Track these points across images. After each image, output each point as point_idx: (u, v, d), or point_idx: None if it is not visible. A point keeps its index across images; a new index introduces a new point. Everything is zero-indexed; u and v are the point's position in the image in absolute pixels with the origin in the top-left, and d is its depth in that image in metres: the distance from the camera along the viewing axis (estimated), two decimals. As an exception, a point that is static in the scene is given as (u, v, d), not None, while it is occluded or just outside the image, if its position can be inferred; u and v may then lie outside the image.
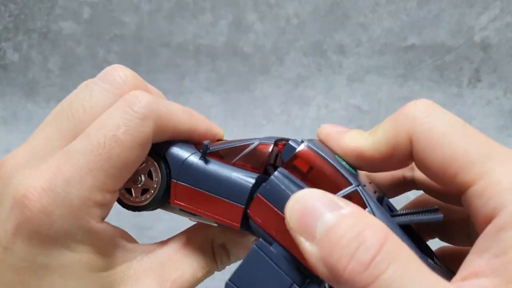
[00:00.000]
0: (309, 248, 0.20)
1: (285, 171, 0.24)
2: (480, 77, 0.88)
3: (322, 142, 0.26)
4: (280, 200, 0.23)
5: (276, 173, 0.24)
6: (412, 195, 0.30)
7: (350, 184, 0.23)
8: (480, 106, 0.88)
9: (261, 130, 0.88)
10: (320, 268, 0.20)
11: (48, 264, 0.23)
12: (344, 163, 0.24)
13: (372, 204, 0.23)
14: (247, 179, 0.25)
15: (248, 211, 0.25)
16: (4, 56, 0.91)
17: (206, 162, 0.26)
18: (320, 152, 0.24)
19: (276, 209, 0.24)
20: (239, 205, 0.25)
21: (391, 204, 0.26)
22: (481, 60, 0.87)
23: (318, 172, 0.24)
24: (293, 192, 0.22)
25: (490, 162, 0.20)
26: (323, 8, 0.85)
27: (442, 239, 0.28)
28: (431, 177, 0.22)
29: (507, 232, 0.19)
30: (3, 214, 0.23)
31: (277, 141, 0.26)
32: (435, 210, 0.23)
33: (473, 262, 0.19)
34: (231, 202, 0.25)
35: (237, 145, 0.26)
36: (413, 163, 0.24)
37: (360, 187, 0.23)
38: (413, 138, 0.22)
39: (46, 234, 0.22)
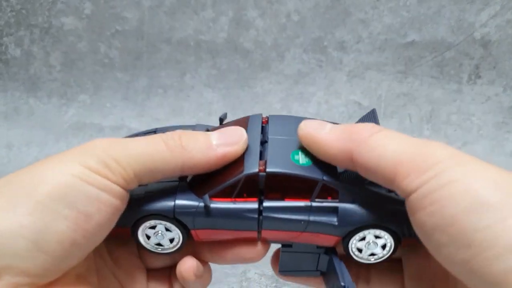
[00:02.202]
0: (326, 133, 0.28)
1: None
2: (480, 73, 0.88)
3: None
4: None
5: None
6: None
7: (317, 180, 0.29)
8: (479, 102, 0.88)
9: (262, 126, 0.89)
10: (339, 142, 0.27)
11: None
12: (302, 161, 0.29)
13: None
14: (251, 211, 0.29)
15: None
16: (6, 51, 0.92)
17: (212, 209, 0.29)
18: (279, 170, 0.29)
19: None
20: (253, 231, 0.30)
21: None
22: (481, 57, 0.87)
23: (290, 184, 0.29)
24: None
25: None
26: (324, 4, 0.85)
27: None
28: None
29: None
30: None
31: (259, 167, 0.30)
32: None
33: None
34: (246, 230, 0.30)
35: (229, 182, 0.29)
36: None
37: (324, 179, 0.29)
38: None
39: None
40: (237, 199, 0.29)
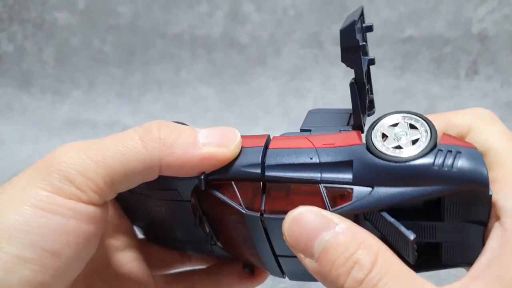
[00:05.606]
0: (309, 264, 0.22)
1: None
2: (477, 69, 0.88)
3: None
4: None
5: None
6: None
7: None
8: (477, 98, 0.88)
9: (258, 122, 0.88)
10: (321, 281, 0.22)
11: None
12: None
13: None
14: None
15: None
16: (-1, 46, 0.91)
17: None
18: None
19: None
20: None
21: None
22: (478, 52, 0.87)
23: (295, 193, 0.25)
24: None
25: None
26: (320, -1, 0.85)
27: None
28: None
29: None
30: None
31: None
32: None
33: (475, 268, 0.21)
34: None
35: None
36: None
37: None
38: None
39: None
40: None
